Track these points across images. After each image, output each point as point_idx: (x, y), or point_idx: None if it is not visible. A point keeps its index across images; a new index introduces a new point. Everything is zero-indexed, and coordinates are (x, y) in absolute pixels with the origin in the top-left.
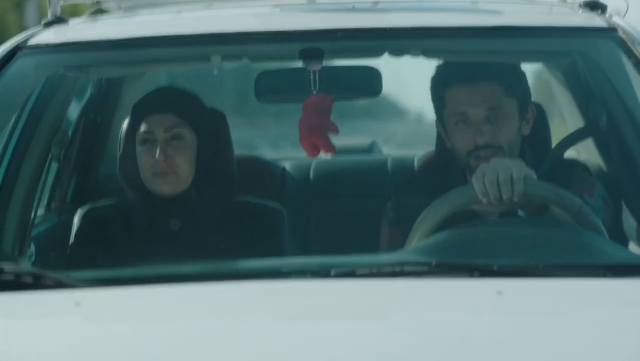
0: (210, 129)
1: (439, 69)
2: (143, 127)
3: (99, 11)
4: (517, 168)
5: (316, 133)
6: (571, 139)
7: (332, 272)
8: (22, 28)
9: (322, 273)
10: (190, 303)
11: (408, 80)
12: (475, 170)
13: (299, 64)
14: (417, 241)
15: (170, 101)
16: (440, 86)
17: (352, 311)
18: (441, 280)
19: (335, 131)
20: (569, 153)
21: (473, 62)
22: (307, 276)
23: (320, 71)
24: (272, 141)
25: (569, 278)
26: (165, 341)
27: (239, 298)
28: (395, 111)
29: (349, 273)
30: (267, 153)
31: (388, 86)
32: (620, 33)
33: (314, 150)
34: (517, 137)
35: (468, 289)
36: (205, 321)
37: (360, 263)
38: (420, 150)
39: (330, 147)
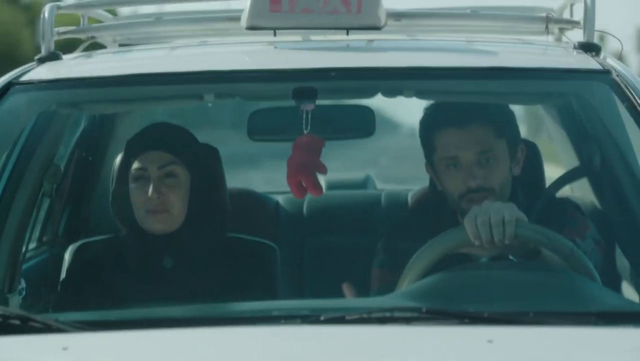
0: (203, 166)
1: (428, 112)
2: (136, 164)
3: (93, 45)
4: (509, 211)
5: (304, 172)
6: (565, 179)
7: (322, 317)
8: (36, 44)
9: (311, 318)
10: (179, 349)
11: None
12: (467, 213)
13: (292, 102)
14: (408, 284)
15: (163, 138)
16: (429, 130)
17: (342, 357)
18: (431, 327)
19: (324, 171)
20: (563, 191)
21: (461, 104)
22: (296, 321)
23: (313, 110)
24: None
25: (560, 326)
26: None
27: (228, 344)
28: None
29: (339, 318)
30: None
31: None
32: (614, 75)
33: (300, 190)
34: (509, 178)
35: (458, 336)
36: None
37: (350, 308)
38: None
39: (317, 189)
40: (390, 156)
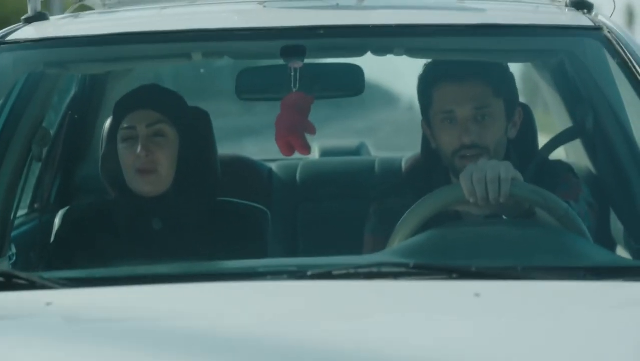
0: (192, 127)
1: (427, 68)
2: (125, 124)
3: (82, 7)
4: (505, 169)
5: (293, 132)
6: (558, 141)
7: (309, 273)
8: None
9: (298, 273)
10: (162, 303)
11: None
12: (460, 170)
13: (281, 61)
14: (399, 240)
15: (152, 97)
16: (427, 85)
17: (328, 312)
18: (419, 281)
19: (313, 131)
20: (557, 154)
21: (461, 61)
22: (283, 277)
23: (302, 68)
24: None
25: (548, 280)
26: (136, 341)
27: (214, 298)
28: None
29: (326, 274)
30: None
31: None
32: (605, 32)
33: (289, 149)
34: (503, 138)
35: (445, 290)
36: (177, 321)
37: (337, 264)
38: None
39: (305, 148)
40: (388, 129)
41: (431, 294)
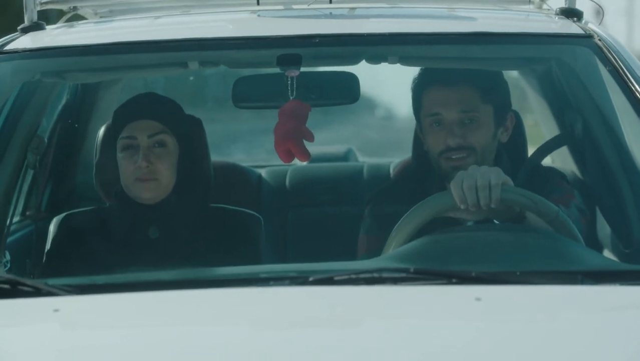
0: (190, 136)
1: (420, 72)
2: (125, 133)
3: (75, 17)
4: (496, 175)
5: (291, 139)
6: (548, 147)
7: (310, 278)
8: None
9: (300, 279)
10: (167, 310)
11: None
12: (446, 172)
13: (277, 69)
14: (395, 247)
15: (153, 107)
16: (419, 88)
17: (331, 317)
18: (419, 286)
19: (311, 138)
20: (545, 161)
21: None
22: (285, 282)
23: (298, 76)
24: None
25: (546, 284)
26: (143, 348)
27: (217, 305)
28: None
29: (327, 279)
30: None
31: None
32: (596, 40)
33: (288, 156)
34: (492, 143)
35: (446, 295)
36: (183, 328)
37: (339, 270)
38: None
39: (304, 155)
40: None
41: (432, 299)
